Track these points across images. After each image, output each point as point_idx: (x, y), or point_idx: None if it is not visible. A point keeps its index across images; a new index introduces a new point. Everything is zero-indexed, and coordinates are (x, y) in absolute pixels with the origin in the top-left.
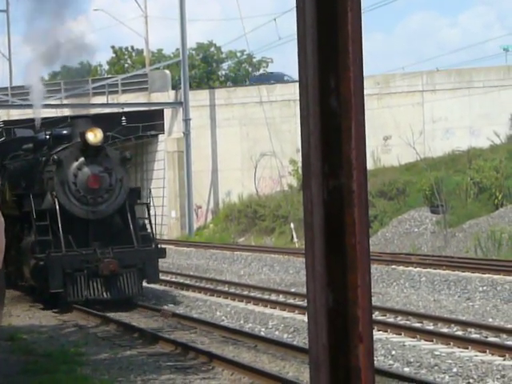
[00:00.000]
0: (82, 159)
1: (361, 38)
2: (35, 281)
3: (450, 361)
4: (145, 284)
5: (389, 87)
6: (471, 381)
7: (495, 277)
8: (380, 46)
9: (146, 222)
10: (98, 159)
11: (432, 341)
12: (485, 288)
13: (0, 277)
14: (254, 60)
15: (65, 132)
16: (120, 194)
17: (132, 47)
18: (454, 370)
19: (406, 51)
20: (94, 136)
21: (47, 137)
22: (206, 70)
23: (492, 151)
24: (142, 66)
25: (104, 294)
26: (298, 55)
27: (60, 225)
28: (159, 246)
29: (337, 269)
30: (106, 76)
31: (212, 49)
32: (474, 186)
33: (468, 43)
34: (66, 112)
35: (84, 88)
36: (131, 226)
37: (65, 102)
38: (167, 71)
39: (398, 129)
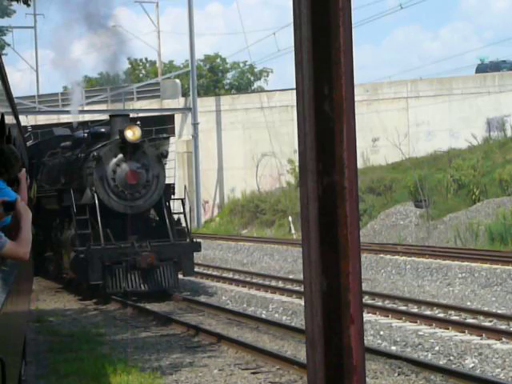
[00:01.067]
0: (120, 156)
1: (351, 49)
2: (75, 273)
3: (432, 340)
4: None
5: (377, 94)
6: (451, 358)
7: (473, 264)
8: (369, 57)
9: (181, 216)
10: (135, 156)
11: (416, 322)
12: (464, 275)
13: (28, 266)
14: (256, 70)
15: (102, 130)
16: (156, 190)
17: (146, 59)
18: (436, 348)
19: (392, 62)
20: (133, 133)
21: (85, 135)
22: (213, 79)
23: (470, 151)
24: (154, 76)
25: (142, 286)
26: (295, 65)
27: (99, 219)
28: (194, 240)
29: (330, 257)
30: (121, 84)
31: (218, 60)
32: (453, 182)
33: (448, 55)
34: (87, 117)
35: (102, 96)
36: (167, 221)
37: (86, 108)
38: (177, 80)
39: (386, 131)
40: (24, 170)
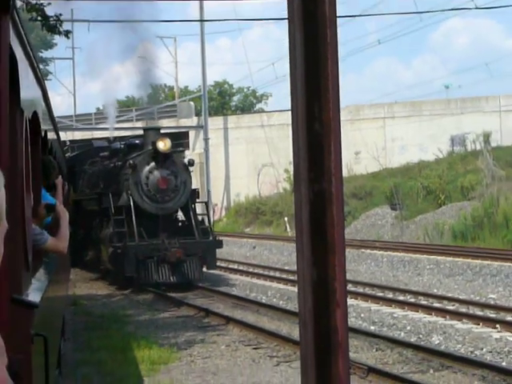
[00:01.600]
0: (152, 164)
1: (338, 78)
2: (112, 266)
3: (404, 321)
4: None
5: (359, 115)
6: (421, 336)
7: (439, 258)
8: (352, 84)
9: (204, 217)
10: (166, 164)
11: (391, 306)
12: (431, 266)
13: (66, 258)
14: (257, 94)
15: (137, 142)
16: (184, 194)
17: (165, 84)
18: (408, 328)
19: (371, 88)
20: (164, 144)
21: (121, 146)
22: (221, 101)
23: (436, 163)
24: (172, 99)
25: (171, 278)
26: (291, 91)
27: (134, 219)
28: (217, 237)
29: (320, 252)
30: (145, 105)
31: (225, 86)
32: (422, 189)
33: (418, 82)
34: (115, 133)
35: (129, 115)
36: (193, 221)
37: (115, 125)
38: (192, 103)
39: (366, 146)
40: (60, 177)
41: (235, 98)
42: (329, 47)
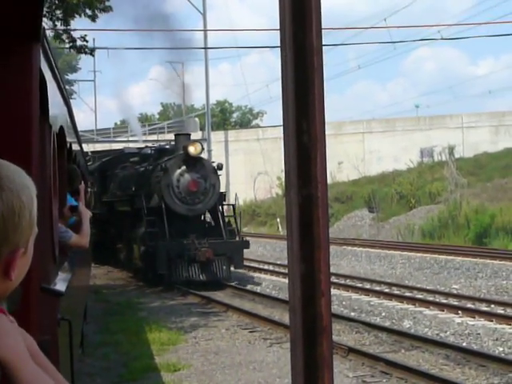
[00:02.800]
0: (183, 167)
1: (323, 98)
2: (144, 264)
3: (380, 308)
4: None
5: (341, 130)
6: (394, 321)
7: (410, 254)
8: (336, 103)
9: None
10: (196, 168)
11: (369, 295)
12: (403, 261)
13: (88, 252)
14: (254, 112)
15: (167, 147)
16: (213, 197)
17: (174, 103)
18: (383, 314)
19: (352, 107)
20: (195, 149)
21: (152, 151)
22: (222, 118)
23: (408, 172)
24: (180, 116)
25: (200, 276)
26: (283, 109)
27: (165, 219)
28: (244, 238)
29: (307, 248)
30: (156, 122)
31: (226, 104)
32: (396, 194)
33: (393, 102)
34: (131, 144)
35: (143, 129)
36: (221, 222)
37: (131, 138)
38: (197, 119)
39: (348, 157)
40: (83, 183)
41: (234, 115)
42: (315, 72)
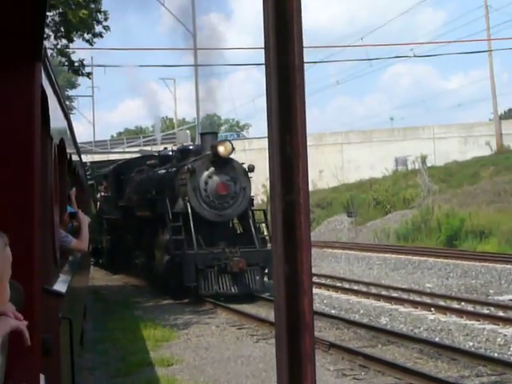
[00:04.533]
0: (212, 169)
1: (304, 111)
2: (169, 274)
3: (358, 306)
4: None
5: (322, 141)
6: (371, 318)
7: (385, 255)
8: (316, 116)
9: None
10: (225, 169)
11: (348, 294)
12: (379, 262)
13: (87, 256)
14: (240, 124)
15: (190, 147)
16: (243, 201)
17: (166, 116)
18: (361, 311)
19: (332, 119)
20: (224, 149)
21: (171, 153)
22: (211, 130)
23: (383, 180)
24: (172, 128)
25: (232, 288)
26: (267, 122)
27: (192, 226)
28: None
29: (291, 250)
30: (151, 134)
31: (215, 117)
32: (372, 200)
33: (369, 115)
34: (127, 155)
35: (138, 141)
36: (252, 229)
37: (127, 149)
38: (188, 131)
39: (328, 166)
40: (74, 189)
41: (223, 128)
42: (297, 88)
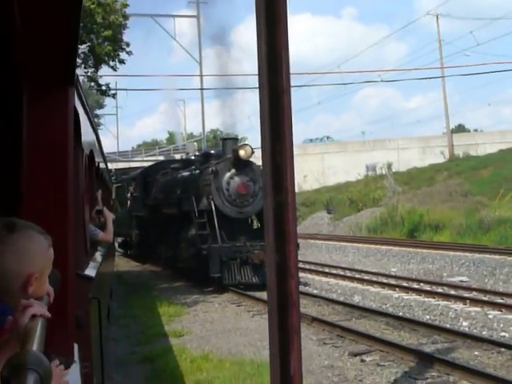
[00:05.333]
0: (233, 170)
1: (291, 126)
2: (195, 266)
3: (336, 287)
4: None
5: (306, 151)
6: (346, 296)
7: (358, 245)
8: (301, 131)
9: None
10: (245, 171)
11: (327, 277)
12: (353, 250)
13: (113, 246)
14: (239, 138)
15: (212, 152)
16: (261, 199)
17: (178, 131)
18: (339, 291)
19: (314, 133)
20: (245, 152)
21: (193, 157)
22: (215, 143)
23: (357, 183)
24: (182, 141)
25: (253, 278)
26: (261, 135)
27: (215, 222)
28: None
29: (280, 242)
30: (164, 146)
31: (218, 132)
32: (348, 200)
33: (344, 129)
34: (145, 164)
35: (154, 151)
36: None
37: (145, 158)
38: (195, 143)
39: (311, 171)
40: (100, 191)
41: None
42: (285, 107)
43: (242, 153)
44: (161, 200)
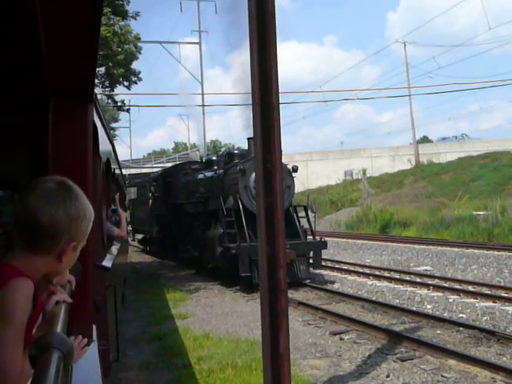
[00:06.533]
0: None
1: (280, 138)
2: (223, 265)
3: (319, 276)
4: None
5: (292, 159)
6: (328, 284)
7: (338, 239)
8: (289, 141)
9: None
10: None
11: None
12: (334, 244)
13: (126, 240)
14: (236, 147)
15: (235, 151)
16: (288, 198)
17: (182, 141)
18: (321, 279)
19: (300, 143)
20: None
21: (214, 158)
22: (214, 152)
23: (337, 186)
24: (186, 150)
25: None
26: (254, 145)
27: (244, 221)
28: (322, 239)
29: (270, 236)
30: (171, 154)
31: (217, 142)
32: (328, 200)
33: (326, 140)
34: (155, 169)
35: (162, 159)
36: (297, 224)
37: (154, 165)
38: (198, 152)
39: (297, 176)
40: (118, 193)
41: (223, 149)
42: (275, 121)
43: None
44: (183, 199)
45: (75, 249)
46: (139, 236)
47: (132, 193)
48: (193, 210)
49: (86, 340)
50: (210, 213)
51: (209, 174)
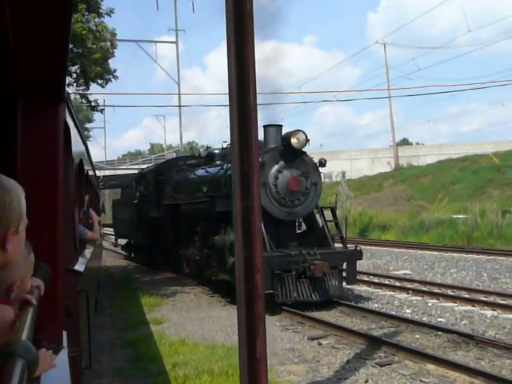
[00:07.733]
0: (282, 162)
1: (257, 139)
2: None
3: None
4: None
5: None
6: None
7: None
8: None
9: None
10: (296, 163)
11: None
12: None
13: (100, 243)
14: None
15: None
16: (314, 198)
17: (158, 143)
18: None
19: None
20: (298, 140)
21: (216, 151)
22: (191, 153)
23: (329, 186)
24: (162, 151)
25: (312, 295)
26: (231, 146)
27: (263, 225)
28: (357, 247)
29: (247, 240)
30: (147, 155)
31: (194, 144)
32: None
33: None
34: (130, 171)
35: (137, 161)
36: (326, 229)
37: (129, 167)
38: (174, 153)
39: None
40: (88, 196)
41: (201, 150)
42: (252, 123)
43: (294, 141)
44: (181, 199)
45: (17, 232)
46: (123, 241)
47: (106, 194)
48: (193, 212)
49: (54, 357)
50: (217, 215)
51: (212, 169)
